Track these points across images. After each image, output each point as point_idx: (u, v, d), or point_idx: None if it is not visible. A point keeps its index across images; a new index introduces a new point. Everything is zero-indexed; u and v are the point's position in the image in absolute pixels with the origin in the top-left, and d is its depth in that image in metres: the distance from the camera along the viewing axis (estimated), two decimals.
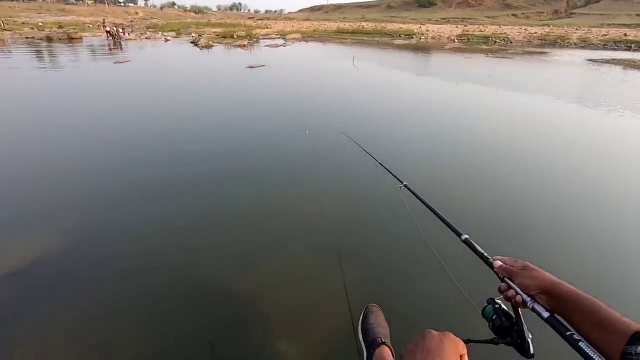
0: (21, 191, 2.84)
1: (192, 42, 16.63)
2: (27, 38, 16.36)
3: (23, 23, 24.11)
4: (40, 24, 23.48)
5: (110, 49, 13.31)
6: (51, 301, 1.80)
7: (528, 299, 0.63)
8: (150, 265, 2.05)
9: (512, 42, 18.92)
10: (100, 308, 1.77)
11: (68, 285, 1.91)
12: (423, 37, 20.46)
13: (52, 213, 2.55)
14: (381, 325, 1.15)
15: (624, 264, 2.19)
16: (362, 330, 1.16)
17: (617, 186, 3.25)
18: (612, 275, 2.08)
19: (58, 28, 20.91)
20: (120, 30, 17.13)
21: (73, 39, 16.66)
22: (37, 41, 15.23)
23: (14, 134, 4.10)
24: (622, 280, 2.05)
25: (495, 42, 19.06)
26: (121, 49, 13.63)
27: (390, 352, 1.02)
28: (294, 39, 19.50)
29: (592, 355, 0.48)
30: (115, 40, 16.46)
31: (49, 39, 15.95)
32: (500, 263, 0.73)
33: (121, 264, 2.05)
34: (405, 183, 1.33)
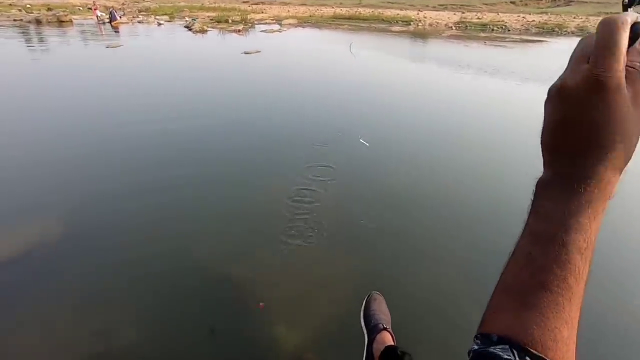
0: (16, 178, 2.82)
1: (185, 27, 16.26)
2: (14, 20, 15.88)
3: (10, 4, 23.33)
4: (28, 6, 22.76)
5: (102, 33, 13.00)
6: (52, 288, 1.82)
7: None
8: (150, 251, 2.07)
9: (509, 30, 18.78)
10: (101, 293, 1.79)
11: (69, 271, 1.92)
12: (420, 24, 20.23)
13: (48, 200, 2.54)
14: (383, 312, 1.18)
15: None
16: (364, 316, 1.20)
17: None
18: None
19: (47, 10, 20.31)
20: (115, 12, 16.65)
21: (63, 22, 16.18)
22: (26, 24, 14.80)
23: (3, 122, 4.03)
24: None
25: (493, 29, 18.92)
26: (113, 32, 13.30)
27: (391, 337, 1.05)
28: (289, 24, 19.16)
29: None
30: (106, 23, 16.05)
31: (38, 22, 15.49)
32: None
33: (121, 251, 2.06)
34: None
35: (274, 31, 15.85)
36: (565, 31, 18.98)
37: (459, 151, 3.68)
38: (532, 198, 0.32)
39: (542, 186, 0.31)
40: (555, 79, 0.31)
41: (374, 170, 3.13)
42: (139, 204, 2.51)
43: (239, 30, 15.52)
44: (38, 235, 2.16)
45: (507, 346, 0.28)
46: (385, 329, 1.07)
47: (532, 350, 0.28)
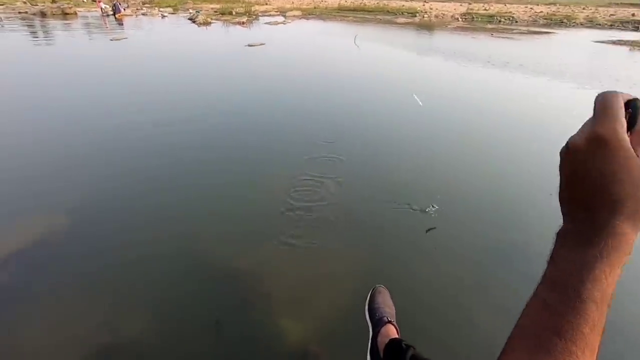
0: (23, 170, 2.85)
1: (189, 19, 16.19)
2: (19, 12, 15.91)
3: None
4: None
5: (106, 26, 12.98)
6: (59, 280, 1.85)
7: None
8: (156, 245, 2.09)
9: (517, 21, 18.48)
10: (107, 287, 1.81)
11: (75, 265, 1.95)
12: (426, 15, 19.97)
13: (56, 192, 2.57)
14: (387, 305, 1.20)
15: None
16: (368, 309, 1.21)
17: None
18: None
19: (51, 2, 20.30)
20: (119, 5, 16.59)
21: (67, 14, 16.19)
22: (31, 16, 14.82)
23: (10, 115, 4.07)
24: None
25: (500, 21, 18.64)
26: (117, 25, 13.28)
27: (395, 330, 1.06)
28: (293, 16, 19.00)
29: None
30: (110, 15, 16.02)
31: (43, 14, 15.50)
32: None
33: (127, 246, 2.09)
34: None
35: (278, 23, 15.74)
36: (574, 22, 18.64)
37: (465, 148, 3.66)
38: (552, 247, 0.33)
39: (561, 236, 0.33)
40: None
41: (377, 165, 3.13)
42: (142, 202, 2.53)
43: (243, 23, 15.43)
44: (43, 228, 2.19)
45: None
46: (389, 322, 1.09)
47: None
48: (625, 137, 0.29)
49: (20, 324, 1.61)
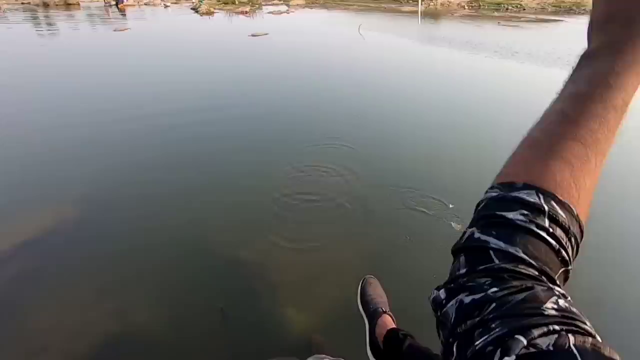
0: (30, 161, 2.89)
1: (192, 9, 16.04)
2: (22, 3, 15.85)
3: None
4: None
5: (109, 16, 12.92)
6: (67, 269, 1.89)
7: None
8: (163, 233, 2.13)
9: (524, 9, 18.09)
10: (116, 276, 1.86)
11: (83, 254, 2.00)
12: (432, 3, 19.61)
13: (63, 182, 2.62)
14: (380, 295, 1.20)
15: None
16: (361, 302, 1.21)
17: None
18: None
19: None
20: None
21: (70, 4, 16.10)
22: (33, 6, 14.78)
23: (17, 105, 4.10)
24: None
25: (507, 8, 18.25)
26: (120, 15, 13.21)
27: (391, 319, 1.08)
28: (297, 5, 18.74)
29: None
30: (113, 5, 15.91)
31: (45, 5, 15.44)
32: None
33: (135, 235, 2.13)
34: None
35: (282, 12, 15.54)
36: (584, 9, 18.21)
37: (471, 139, 3.64)
38: (572, 69, 0.34)
39: (586, 57, 0.33)
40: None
41: (384, 154, 3.13)
42: (150, 190, 2.57)
43: (246, 12, 15.27)
44: (53, 215, 2.23)
45: (534, 191, 0.29)
46: (385, 312, 1.10)
47: (558, 195, 0.28)
48: None
49: (31, 309, 1.67)
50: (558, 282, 0.28)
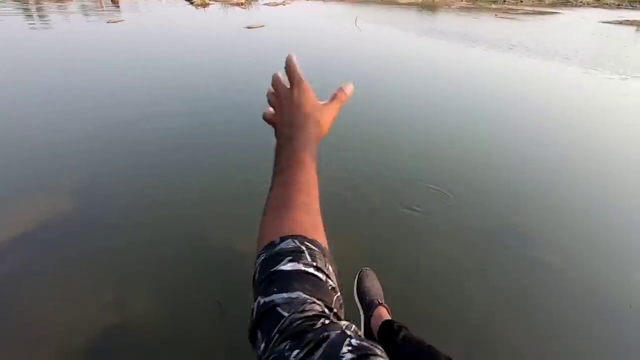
0: (27, 149, 2.88)
1: (186, 0, 15.82)
2: None
3: None
4: None
5: (102, 7, 12.72)
6: (66, 258, 1.90)
7: None
8: (162, 230, 2.14)
9: (522, 1, 18.01)
10: (115, 270, 1.87)
11: (81, 244, 2.00)
12: None
13: (60, 172, 2.61)
14: (375, 287, 1.22)
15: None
16: (358, 293, 1.23)
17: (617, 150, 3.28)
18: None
19: None
20: None
21: None
22: None
23: (11, 97, 4.06)
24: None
25: (505, 0, 18.16)
26: (113, 6, 13.01)
27: (386, 311, 1.10)
28: None
29: None
30: None
31: None
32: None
33: (132, 228, 2.13)
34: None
35: (278, 4, 15.37)
36: (581, 2, 18.16)
37: (465, 132, 3.65)
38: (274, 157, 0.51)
39: (276, 147, 0.52)
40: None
41: (381, 143, 3.14)
42: (147, 185, 2.57)
43: (242, 4, 15.08)
44: (50, 207, 2.23)
45: (289, 239, 0.35)
46: (380, 304, 1.12)
47: (307, 236, 0.36)
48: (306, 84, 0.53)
49: (29, 301, 1.68)
50: (335, 309, 0.31)
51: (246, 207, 2.35)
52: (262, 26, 9.29)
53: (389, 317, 1.06)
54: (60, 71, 5.11)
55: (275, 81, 0.54)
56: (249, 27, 9.12)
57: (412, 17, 12.91)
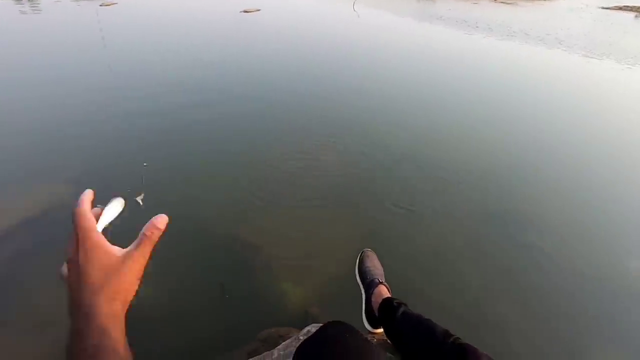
0: (26, 138, 2.86)
1: None
2: None
3: None
4: None
5: None
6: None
7: None
8: (163, 209, 2.15)
9: None
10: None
11: None
12: None
13: (62, 161, 2.60)
14: (376, 267, 1.26)
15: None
16: (359, 272, 1.28)
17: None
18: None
19: None
20: None
21: None
22: None
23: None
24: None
25: None
26: None
27: (387, 290, 1.14)
28: None
29: None
30: None
31: None
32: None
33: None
34: None
35: None
36: None
37: (463, 117, 3.67)
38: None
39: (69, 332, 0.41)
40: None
41: (378, 129, 3.15)
42: (150, 167, 2.57)
43: None
44: (59, 191, 2.24)
45: None
46: (381, 282, 1.16)
47: None
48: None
49: (35, 284, 1.70)
50: None
51: (247, 190, 2.37)
52: (259, 10, 9.13)
53: (389, 295, 1.10)
54: (45, 56, 5.03)
55: (71, 231, 0.42)
56: (245, 11, 8.96)
57: (409, 2, 12.72)
